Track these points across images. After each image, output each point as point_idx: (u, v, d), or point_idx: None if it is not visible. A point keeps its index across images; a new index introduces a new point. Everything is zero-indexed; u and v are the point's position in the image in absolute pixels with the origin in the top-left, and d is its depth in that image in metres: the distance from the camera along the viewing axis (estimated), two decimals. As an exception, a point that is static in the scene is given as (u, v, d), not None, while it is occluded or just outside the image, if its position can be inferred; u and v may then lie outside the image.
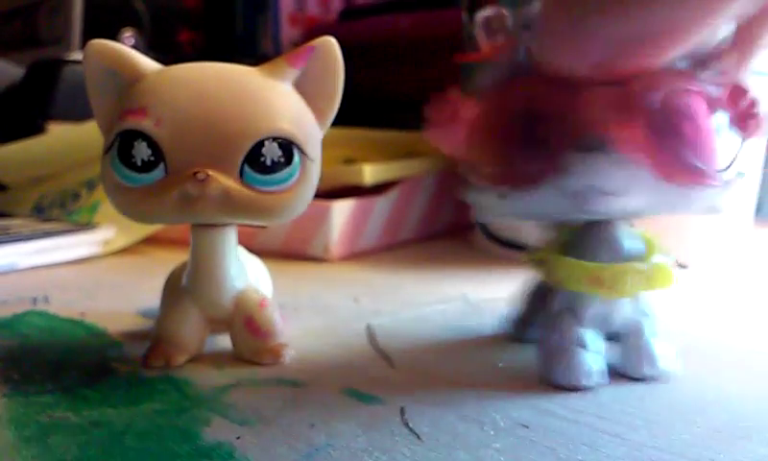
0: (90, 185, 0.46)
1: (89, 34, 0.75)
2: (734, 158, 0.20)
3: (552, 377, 0.22)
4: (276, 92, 0.22)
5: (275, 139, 0.21)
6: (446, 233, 0.48)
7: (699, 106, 0.19)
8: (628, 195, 0.19)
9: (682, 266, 0.37)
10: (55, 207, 0.46)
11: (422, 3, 0.56)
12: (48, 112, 0.59)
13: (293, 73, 0.22)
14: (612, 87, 0.19)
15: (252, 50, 0.72)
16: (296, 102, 0.22)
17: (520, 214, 0.21)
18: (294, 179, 0.22)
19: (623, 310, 0.22)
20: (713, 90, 0.20)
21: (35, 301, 0.31)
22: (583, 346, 0.22)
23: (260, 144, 0.21)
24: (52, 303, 0.31)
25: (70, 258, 0.39)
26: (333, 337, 0.26)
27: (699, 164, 0.19)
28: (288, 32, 0.70)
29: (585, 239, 0.22)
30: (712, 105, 0.20)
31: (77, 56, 0.66)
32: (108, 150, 0.22)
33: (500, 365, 0.23)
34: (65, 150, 0.49)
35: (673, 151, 0.19)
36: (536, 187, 0.20)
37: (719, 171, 0.20)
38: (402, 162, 0.44)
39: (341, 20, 0.69)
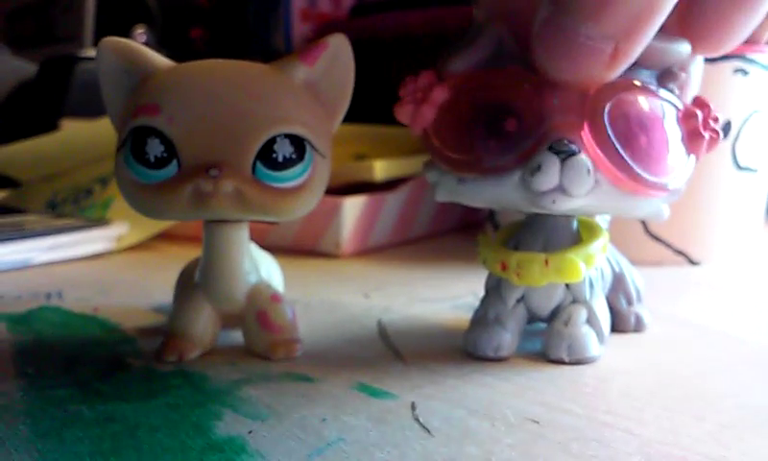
0: (103, 182, 0.46)
1: (102, 31, 0.75)
2: (683, 171, 0.21)
3: (466, 346, 0.24)
4: (287, 89, 0.22)
5: (286, 136, 0.21)
6: (457, 230, 0.48)
7: (655, 118, 0.20)
8: (586, 197, 0.20)
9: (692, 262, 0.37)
10: (68, 204, 0.46)
11: (433, 0, 0.56)
12: (61, 109, 0.60)
13: (304, 70, 0.23)
14: (577, 91, 0.20)
15: (263, 46, 0.72)
16: (307, 98, 0.23)
17: (477, 201, 0.22)
18: (305, 175, 0.22)
19: (555, 296, 0.23)
20: (672, 105, 0.21)
21: (48, 296, 0.31)
22: (500, 323, 0.23)
23: (272, 141, 0.21)
24: (65, 299, 0.31)
25: (83, 254, 0.39)
26: (344, 333, 0.27)
27: (648, 175, 0.20)
28: (299, 28, 0.70)
29: (525, 227, 0.23)
30: (668, 119, 0.21)
31: (90, 53, 0.66)
32: (121, 146, 0.22)
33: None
34: (78, 146, 0.49)
35: (627, 160, 0.20)
36: (497, 179, 0.20)
37: (667, 182, 0.21)
38: (413, 159, 0.44)
39: (352, 16, 0.68)
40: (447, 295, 0.32)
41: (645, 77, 0.21)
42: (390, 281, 0.34)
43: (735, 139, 0.36)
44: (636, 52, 0.19)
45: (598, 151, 0.20)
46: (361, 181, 0.41)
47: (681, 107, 0.21)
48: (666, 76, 0.21)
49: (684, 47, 0.21)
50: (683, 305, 0.30)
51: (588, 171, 0.20)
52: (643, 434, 0.18)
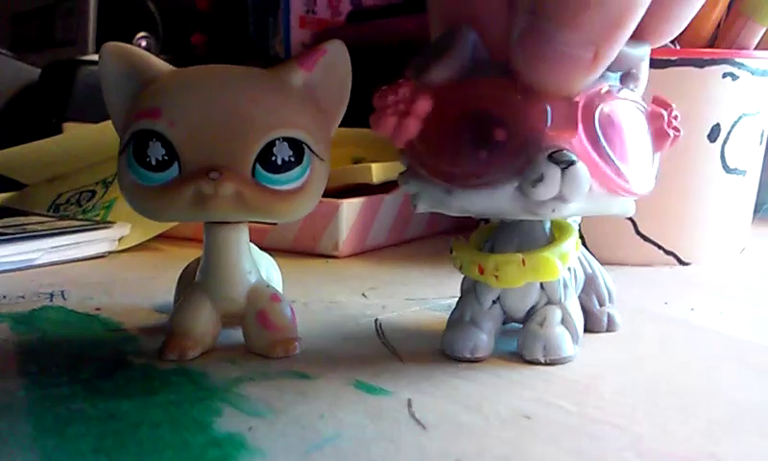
0: (105, 184, 0.46)
1: (104, 36, 0.75)
2: (652, 169, 0.22)
3: (443, 348, 0.24)
4: (286, 93, 0.23)
5: (285, 139, 0.22)
6: (452, 231, 0.48)
7: (633, 121, 0.21)
8: (583, 203, 0.20)
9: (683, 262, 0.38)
10: (71, 205, 0.46)
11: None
12: (64, 113, 0.60)
13: (303, 75, 0.23)
14: (564, 100, 0.20)
15: (263, 52, 0.72)
16: (306, 103, 0.23)
17: (466, 210, 0.21)
18: (304, 178, 0.22)
19: (530, 297, 0.23)
20: (642, 106, 0.22)
21: (51, 296, 0.32)
22: (476, 325, 0.23)
23: (271, 144, 0.22)
24: (68, 299, 0.31)
25: (86, 255, 0.39)
26: (342, 331, 0.27)
27: (632, 176, 0.21)
28: (298, 34, 0.70)
29: (499, 230, 0.24)
30: (642, 120, 0.21)
31: (92, 57, 0.67)
32: (123, 150, 0.23)
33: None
34: (81, 149, 0.49)
35: (618, 164, 0.20)
36: (491, 190, 0.20)
37: (644, 181, 0.21)
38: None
39: (349, 22, 0.69)
40: (442, 294, 0.32)
41: (612, 80, 0.21)
42: (387, 281, 0.35)
43: (724, 142, 0.36)
44: (613, 55, 0.19)
45: (595, 157, 0.20)
46: (358, 183, 0.42)
47: (648, 108, 0.22)
48: (627, 77, 0.22)
49: (644, 49, 0.21)
50: (673, 305, 0.31)
51: (587, 179, 0.20)
52: (634, 430, 0.18)
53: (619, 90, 0.21)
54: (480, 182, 0.20)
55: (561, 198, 0.20)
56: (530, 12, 0.19)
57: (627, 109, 0.21)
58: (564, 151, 0.20)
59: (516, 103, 0.20)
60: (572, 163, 0.20)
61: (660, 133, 0.22)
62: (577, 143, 0.20)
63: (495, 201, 0.21)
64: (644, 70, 0.22)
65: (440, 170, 0.21)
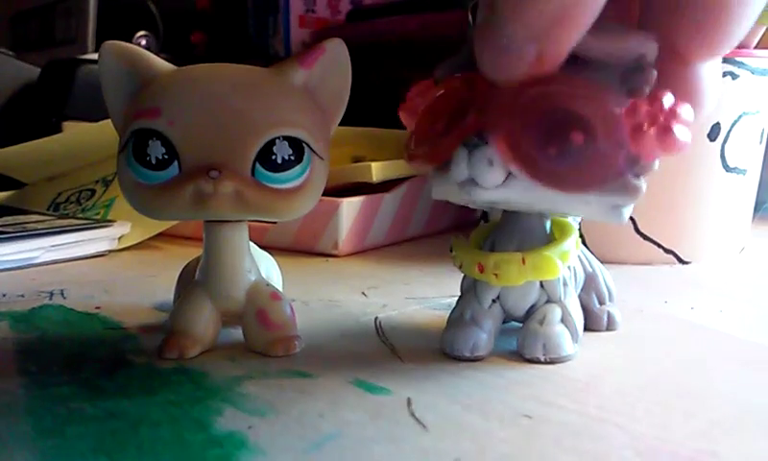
0: (105, 182, 0.46)
1: (103, 35, 0.76)
2: (628, 172, 0.20)
3: (443, 346, 0.24)
4: (286, 92, 0.23)
5: (285, 138, 0.22)
6: (452, 230, 0.48)
7: (597, 115, 0.19)
8: (507, 190, 0.20)
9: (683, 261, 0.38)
10: (70, 204, 0.46)
11: (428, 5, 0.57)
12: (63, 112, 0.60)
13: (303, 73, 0.23)
14: (509, 89, 0.19)
15: (263, 51, 0.73)
16: (306, 101, 0.23)
17: (437, 195, 0.22)
18: (304, 176, 0.22)
19: (530, 296, 0.23)
20: (614, 101, 0.19)
21: (51, 295, 0.32)
22: (476, 323, 0.24)
23: (271, 142, 0.22)
24: (68, 298, 0.31)
25: (86, 254, 0.39)
26: (342, 330, 0.27)
27: (576, 174, 0.19)
28: (298, 33, 0.70)
29: (499, 228, 0.24)
30: (605, 116, 0.19)
31: (92, 56, 0.67)
32: (123, 148, 0.23)
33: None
34: (81, 148, 0.49)
35: (545, 156, 0.19)
36: (443, 174, 0.21)
37: (604, 183, 0.19)
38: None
39: (348, 21, 0.69)
40: (442, 293, 0.32)
41: (594, 73, 0.19)
42: (387, 280, 0.35)
43: (724, 141, 0.36)
44: (560, 53, 0.19)
45: (510, 143, 0.19)
46: (358, 182, 0.42)
47: (626, 104, 0.19)
48: (633, 72, 0.19)
49: (642, 45, 0.19)
50: (673, 304, 0.31)
51: (491, 162, 0.20)
52: (634, 429, 0.19)
53: (582, 82, 0.19)
54: (438, 169, 0.21)
55: (472, 181, 0.20)
56: (487, 5, 0.19)
57: (581, 102, 0.19)
58: (474, 134, 0.20)
59: (464, 93, 0.21)
60: (477, 146, 0.20)
61: (636, 130, 0.19)
62: (498, 128, 0.20)
63: (444, 186, 0.21)
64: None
65: (410, 153, 0.22)
